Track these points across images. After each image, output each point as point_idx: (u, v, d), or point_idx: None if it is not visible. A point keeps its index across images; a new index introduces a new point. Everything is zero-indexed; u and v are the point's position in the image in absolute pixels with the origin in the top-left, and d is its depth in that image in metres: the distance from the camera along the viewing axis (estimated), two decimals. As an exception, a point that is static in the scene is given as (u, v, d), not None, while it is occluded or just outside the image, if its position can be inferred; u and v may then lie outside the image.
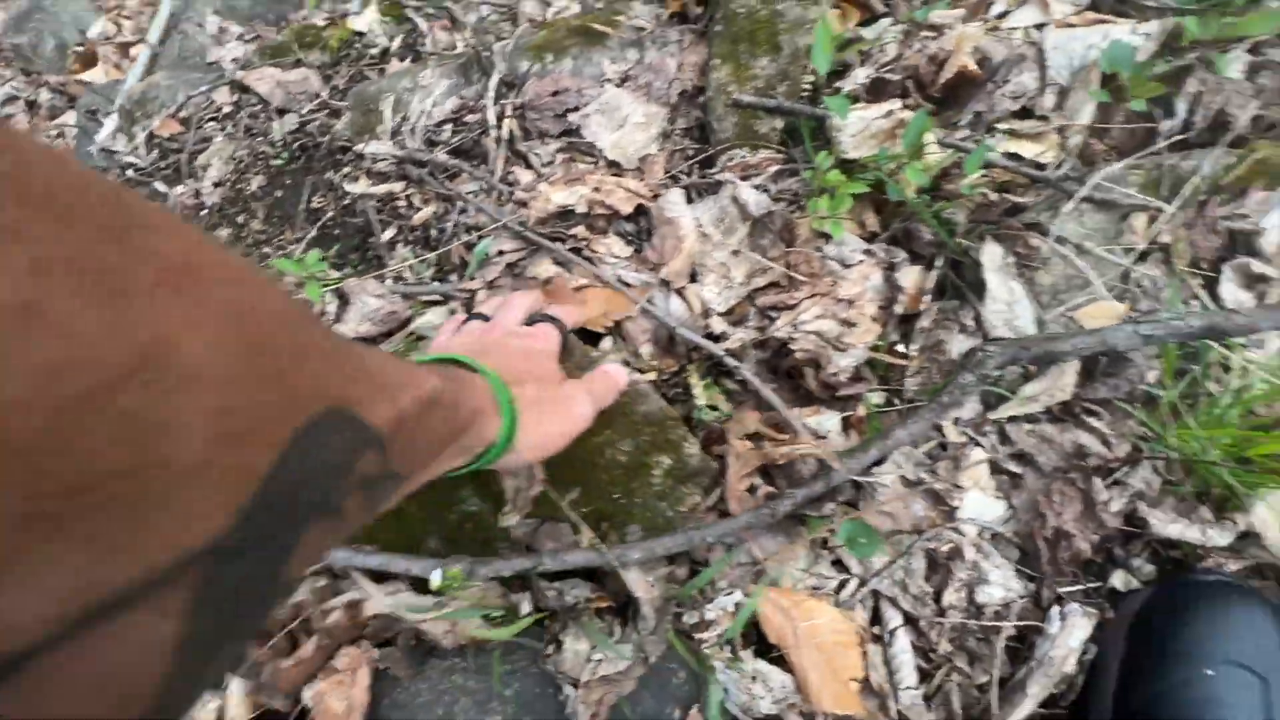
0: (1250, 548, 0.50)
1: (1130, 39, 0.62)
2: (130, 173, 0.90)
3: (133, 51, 1.25)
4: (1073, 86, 0.62)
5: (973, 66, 0.62)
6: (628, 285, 0.60)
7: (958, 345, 0.56)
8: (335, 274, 0.69)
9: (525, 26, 0.82)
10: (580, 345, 0.56)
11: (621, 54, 0.75)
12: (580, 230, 0.63)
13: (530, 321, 0.53)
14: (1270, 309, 0.51)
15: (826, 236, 0.59)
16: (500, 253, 0.64)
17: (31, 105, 1.35)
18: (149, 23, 1.19)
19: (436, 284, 0.65)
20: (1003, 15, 0.68)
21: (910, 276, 0.58)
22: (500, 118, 0.72)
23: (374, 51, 0.91)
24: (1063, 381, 0.52)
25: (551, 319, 0.53)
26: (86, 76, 1.30)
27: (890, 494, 0.51)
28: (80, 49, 1.33)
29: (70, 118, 1.24)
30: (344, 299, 0.64)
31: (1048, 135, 0.62)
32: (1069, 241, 0.57)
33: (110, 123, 0.98)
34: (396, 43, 0.91)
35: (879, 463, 0.52)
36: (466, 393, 0.36)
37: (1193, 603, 0.48)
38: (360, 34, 0.94)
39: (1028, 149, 0.62)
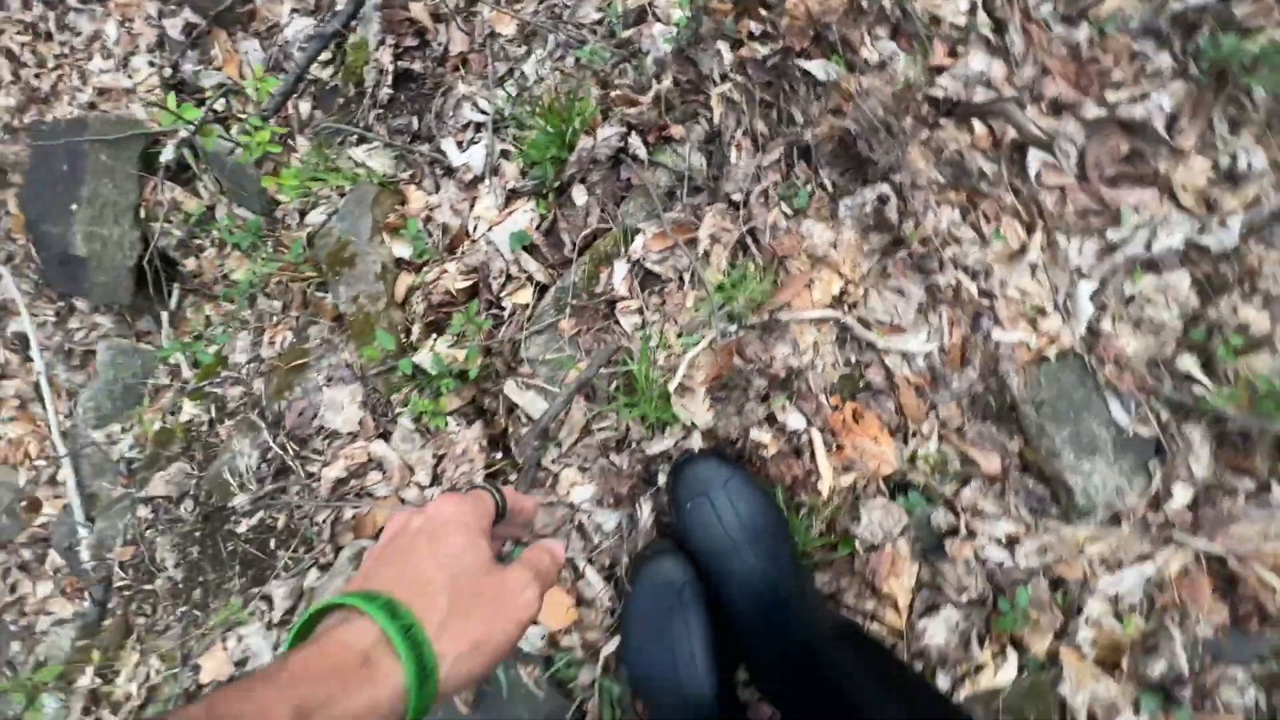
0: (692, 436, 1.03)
1: (524, 217, 1.11)
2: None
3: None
4: (513, 259, 1.11)
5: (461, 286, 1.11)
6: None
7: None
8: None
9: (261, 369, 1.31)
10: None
11: (319, 364, 1.24)
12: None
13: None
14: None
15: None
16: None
17: (23, 567, 1.85)
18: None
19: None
20: (475, 228, 1.17)
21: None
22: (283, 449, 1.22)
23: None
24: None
25: (486, 486, 0.48)
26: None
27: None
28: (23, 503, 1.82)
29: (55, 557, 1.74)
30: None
31: (525, 285, 1.12)
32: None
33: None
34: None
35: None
36: (331, 673, 0.31)
37: (678, 473, 1.00)
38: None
39: (521, 298, 1.12)
